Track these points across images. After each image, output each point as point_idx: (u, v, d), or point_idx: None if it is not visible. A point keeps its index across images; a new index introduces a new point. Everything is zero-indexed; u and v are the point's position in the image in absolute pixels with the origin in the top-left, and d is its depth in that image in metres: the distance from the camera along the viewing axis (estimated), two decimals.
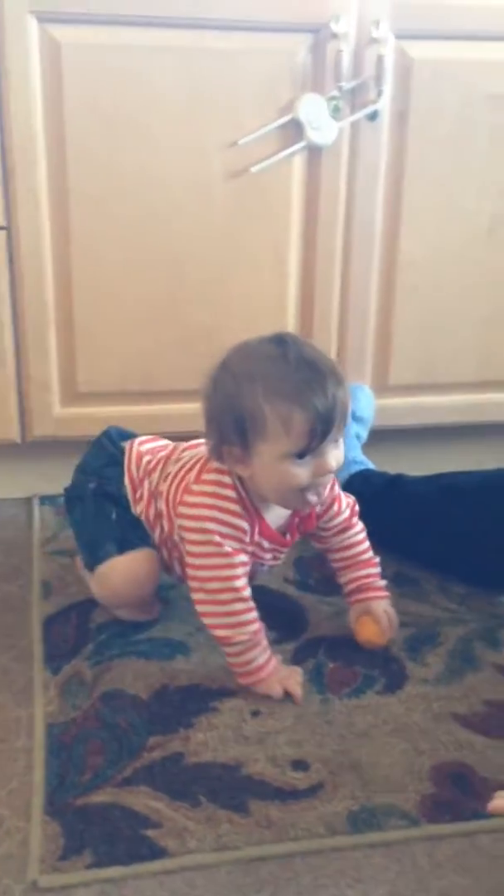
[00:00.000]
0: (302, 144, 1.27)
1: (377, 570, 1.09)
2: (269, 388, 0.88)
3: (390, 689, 1.00)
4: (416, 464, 1.36)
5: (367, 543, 1.09)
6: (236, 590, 0.97)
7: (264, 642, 0.99)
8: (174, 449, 1.09)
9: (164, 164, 1.26)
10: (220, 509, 0.96)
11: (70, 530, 1.17)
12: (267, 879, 0.77)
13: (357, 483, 1.28)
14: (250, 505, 0.97)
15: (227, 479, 0.97)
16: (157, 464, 1.08)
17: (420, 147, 1.33)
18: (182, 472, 1.03)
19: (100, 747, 0.90)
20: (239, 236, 1.32)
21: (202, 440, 1.00)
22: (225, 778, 0.87)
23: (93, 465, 1.13)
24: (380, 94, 1.28)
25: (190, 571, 0.99)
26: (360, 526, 1.09)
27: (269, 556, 1.03)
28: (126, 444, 1.12)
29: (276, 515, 1.01)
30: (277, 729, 0.94)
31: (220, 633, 0.98)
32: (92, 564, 1.08)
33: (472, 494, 1.17)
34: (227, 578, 0.97)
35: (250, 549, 0.99)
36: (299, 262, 1.35)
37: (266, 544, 1.01)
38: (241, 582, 0.97)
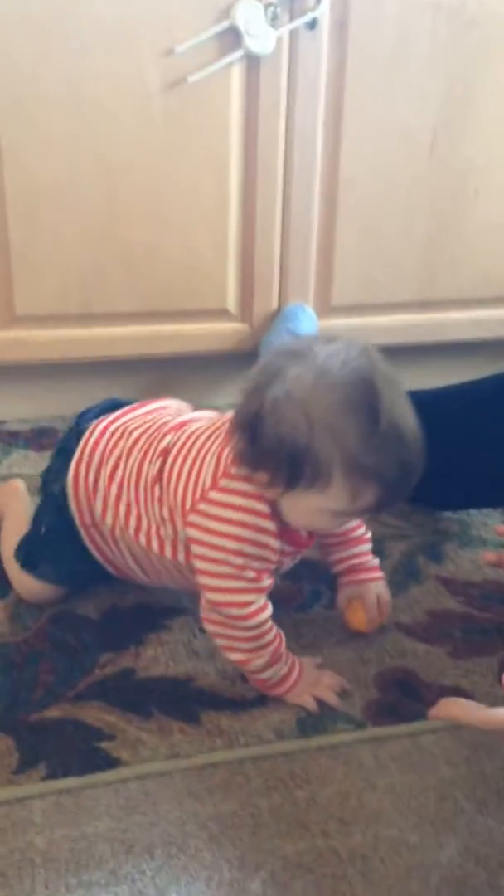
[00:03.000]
0: (239, 53, 1.23)
1: (369, 546, 0.99)
2: (349, 455, 0.75)
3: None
4: None
5: (358, 520, 0.98)
6: (256, 615, 0.84)
7: (285, 653, 0.88)
8: (161, 426, 0.93)
9: (96, 75, 1.21)
10: (251, 527, 0.82)
11: (10, 457, 1.15)
12: (218, 784, 0.79)
13: None
14: (279, 514, 0.83)
15: (254, 488, 0.82)
16: (135, 444, 0.92)
17: (360, 59, 1.30)
18: (190, 465, 0.87)
19: (51, 666, 0.91)
20: (177, 149, 1.28)
21: (201, 413, 0.91)
22: (176, 691, 0.89)
23: (60, 447, 0.99)
24: (318, 0, 1.24)
25: (203, 591, 0.86)
26: None
27: (289, 558, 0.90)
28: (91, 425, 0.96)
29: None
30: None
31: (235, 656, 0.87)
32: (16, 557, 0.99)
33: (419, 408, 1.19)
34: (246, 604, 0.84)
35: (275, 560, 0.85)
36: (240, 178, 1.32)
37: (289, 548, 0.88)
38: (263, 606, 0.85)
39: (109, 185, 1.27)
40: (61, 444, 1.00)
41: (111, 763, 0.80)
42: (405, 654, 0.95)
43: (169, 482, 0.87)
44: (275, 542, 0.83)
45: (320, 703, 0.88)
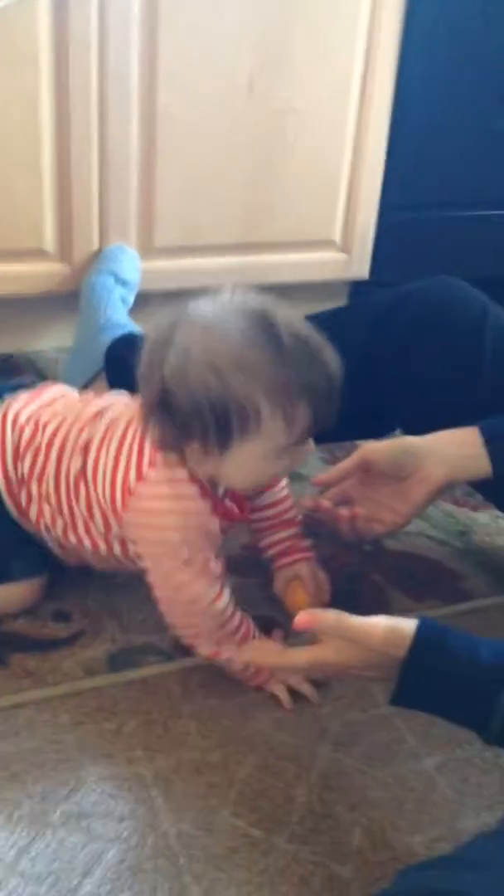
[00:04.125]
0: None
1: (299, 528, 0.96)
2: (267, 383, 0.73)
3: None
4: None
5: (290, 501, 0.96)
6: (215, 602, 0.82)
7: (232, 627, 0.85)
8: (75, 419, 0.88)
9: None
10: (188, 514, 0.80)
11: None
12: (23, 724, 0.80)
13: (122, 348, 1.27)
14: (210, 492, 0.82)
15: (181, 472, 0.80)
16: (53, 438, 0.87)
17: None
18: (114, 459, 0.83)
19: None
20: None
21: (111, 398, 0.88)
22: None
23: None
24: None
25: (155, 589, 0.84)
26: (283, 481, 0.95)
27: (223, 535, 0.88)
28: None
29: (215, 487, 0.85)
30: None
31: (204, 650, 0.85)
32: None
33: None
34: (202, 594, 0.82)
35: (218, 540, 0.83)
36: (52, 112, 1.28)
37: (224, 523, 0.85)
38: (220, 593, 0.83)
39: None
40: None
41: None
42: None
43: (95, 478, 0.84)
44: (214, 522, 0.81)
45: (132, 643, 0.89)
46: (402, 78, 1.45)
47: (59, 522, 0.88)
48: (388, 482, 0.90)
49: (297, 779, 0.78)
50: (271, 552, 0.96)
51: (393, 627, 0.70)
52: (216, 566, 0.83)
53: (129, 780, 0.77)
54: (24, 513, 0.90)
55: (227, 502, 0.85)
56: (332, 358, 0.76)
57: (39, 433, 0.88)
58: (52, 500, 0.87)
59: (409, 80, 1.46)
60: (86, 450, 0.85)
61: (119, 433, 0.84)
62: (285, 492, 0.96)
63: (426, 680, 0.69)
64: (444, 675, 0.68)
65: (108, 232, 1.39)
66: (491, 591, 1.02)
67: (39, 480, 0.87)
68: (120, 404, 0.88)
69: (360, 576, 1.02)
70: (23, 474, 0.88)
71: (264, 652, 0.82)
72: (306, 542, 0.96)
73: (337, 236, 1.53)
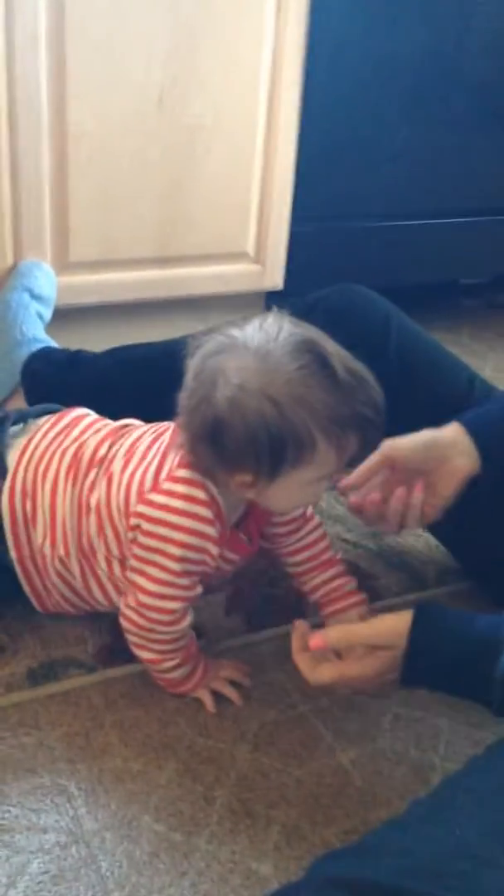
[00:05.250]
0: None
1: (342, 568, 0.95)
2: (324, 416, 0.74)
3: None
4: (101, 342, 1.38)
5: (326, 540, 0.95)
6: (180, 621, 0.84)
7: (194, 652, 0.88)
8: (93, 440, 0.90)
9: None
10: (194, 533, 0.80)
11: None
12: None
13: (37, 362, 1.28)
14: (223, 519, 0.82)
15: (201, 493, 0.80)
16: (73, 461, 0.88)
17: (79, 9, 1.29)
18: (134, 468, 0.84)
19: None
20: None
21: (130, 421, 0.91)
22: None
23: None
24: None
25: (136, 591, 0.83)
26: (316, 520, 0.95)
27: (230, 566, 0.88)
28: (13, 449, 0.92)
29: (231, 515, 0.85)
30: None
31: (147, 655, 0.86)
32: None
33: (143, 363, 1.22)
34: (174, 611, 0.83)
35: (212, 567, 0.84)
36: None
37: (231, 555, 0.86)
38: (186, 613, 0.85)
39: None
40: None
41: None
42: None
43: (110, 486, 0.85)
44: (214, 549, 0.82)
45: (53, 656, 0.90)
46: (308, 91, 1.49)
47: (73, 552, 0.88)
48: (412, 476, 0.90)
49: (216, 781, 0.81)
50: (318, 596, 0.95)
51: (396, 618, 0.74)
52: (196, 590, 0.84)
53: (52, 793, 0.78)
54: (31, 551, 0.89)
55: (241, 535, 0.86)
56: (377, 387, 0.78)
57: (56, 459, 0.89)
58: (68, 527, 0.87)
59: (315, 93, 1.50)
60: (106, 460, 0.87)
61: (143, 447, 0.86)
62: (320, 531, 0.95)
63: (427, 657, 0.72)
64: (442, 651, 0.72)
65: (22, 247, 1.39)
66: (402, 589, 1.06)
67: (52, 506, 0.88)
68: (140, 424, 0.91)
69: (280, 579, 1.04)
70: (44, 505, 0.88)
71: (344, 632, 0.81)
72: (352, 585, 0.95)
73: (250, 248, 1.56)
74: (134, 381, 1.21)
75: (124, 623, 0.85)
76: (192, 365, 0.78)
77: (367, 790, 0.81)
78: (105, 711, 0.86)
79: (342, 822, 0.78)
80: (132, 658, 0.91)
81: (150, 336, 1.43)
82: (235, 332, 0.77)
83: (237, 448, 0.75)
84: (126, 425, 0.93)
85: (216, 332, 0.78)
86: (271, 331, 0.76)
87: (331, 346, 0.77)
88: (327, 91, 1.52)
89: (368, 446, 0.82)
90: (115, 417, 1.25)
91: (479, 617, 0.73)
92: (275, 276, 1.59)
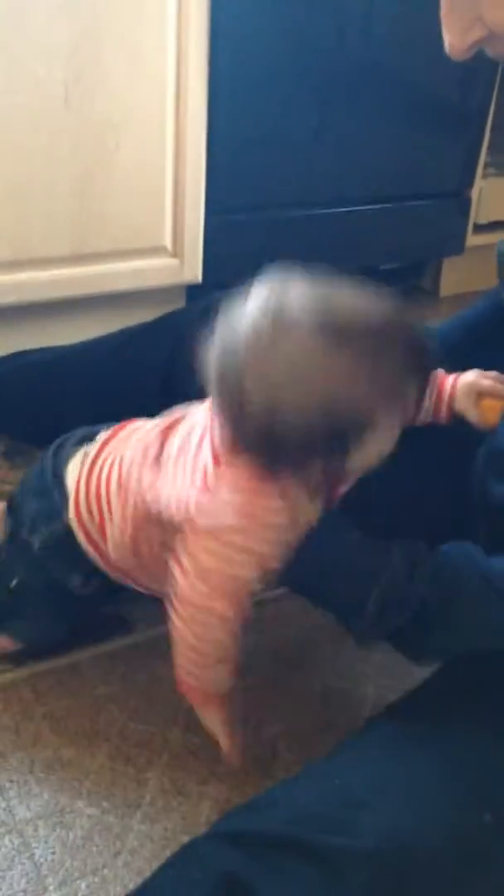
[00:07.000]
0: None
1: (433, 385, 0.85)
2: (376, 386, 0.68)
3: None
4: (20, 343, 1.38)
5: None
6: (231, 618, 0.74)
7: (235, 663, 0.77)
8: (151, 441, 0.80)
9: None
10: (257, 515, 0.72)
11: None
12: None
13: None
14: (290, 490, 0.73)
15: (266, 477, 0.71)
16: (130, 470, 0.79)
17: None
18: (185, 459, 0.76)
19: None
20: None
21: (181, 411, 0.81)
22: None
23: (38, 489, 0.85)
24: None
25: (185, 577, 0.74)
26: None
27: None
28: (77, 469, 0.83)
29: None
30: None
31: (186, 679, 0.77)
32: None
33: (39, 368, 1.22)
34: (238, 603, 0.73)
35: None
36: None
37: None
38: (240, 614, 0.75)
39: None
40: (38, 484, 0.85)
41: None
42: None
43: (163, 484, 0.77)
44: (283, 520, 0.72)
45: None
46: (215, 79, 1.49)
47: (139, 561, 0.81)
48: None
49: (148, 763, 0.82)
50: (437, 401, 0.85)
51: None
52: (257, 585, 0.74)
53: None
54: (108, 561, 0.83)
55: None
56: (414, 325, 0.73)
57: (115, 470, 0.81)
58: (134, 537, 0.79)
59: (222, 82, 1.50)
60: (159, 460, 0.79)
61: (196, 439, 0.77)
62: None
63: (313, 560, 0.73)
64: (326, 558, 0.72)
65: None
66: None
67: (123, 516, 0.80)
68: (192, 412, 0.81)
69: None
70: (115, 519, 0.80)
71: None
72: (440, 373, 0.85)
73: (167, 242, 1.57)
74: (29, 388, 1.21)
75: (176, 621, 0.75)
76: (207, 369, 0.71)
77: (291, 761, 0.83)
78: (35, 704, 0.87)
79: None
80: (63, 650, 0.91)
81: (72, 335, 1.43)
82: (239, 325, 0.69)
83: (296, 446, 0.68)
84: (175, 420, 0.82)
85: (218, 324, 0.71)
86: (277, 312, 0.69)
87: (348, 309, 0.69)
88: (235, 79, 1.52)
89: (425, 379, 0.75)
90: (13, 424, 1.25)
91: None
92: (194, 270, 1.60)
